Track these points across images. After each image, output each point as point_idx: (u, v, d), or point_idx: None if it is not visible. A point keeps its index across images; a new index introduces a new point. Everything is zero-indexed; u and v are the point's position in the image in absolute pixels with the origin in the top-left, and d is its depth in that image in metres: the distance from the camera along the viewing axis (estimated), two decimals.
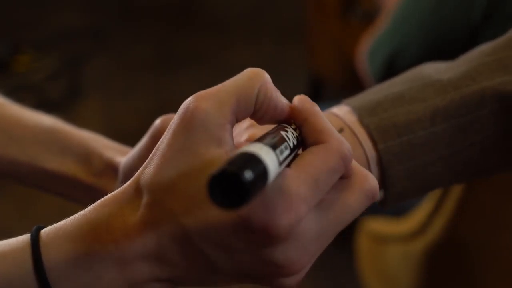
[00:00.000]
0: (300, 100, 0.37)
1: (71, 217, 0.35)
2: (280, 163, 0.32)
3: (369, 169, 0.44)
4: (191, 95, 0.35)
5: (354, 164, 0.37)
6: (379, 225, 1.06)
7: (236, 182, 0.28)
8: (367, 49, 0.99)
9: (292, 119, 0.37)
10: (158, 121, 0.43)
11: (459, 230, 0.90)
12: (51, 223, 0.35)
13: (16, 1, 2.67)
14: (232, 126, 0.35)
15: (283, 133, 0.35)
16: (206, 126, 0.33)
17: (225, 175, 0.28)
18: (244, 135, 0.43)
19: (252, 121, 0.44)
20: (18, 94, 1.09)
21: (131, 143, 0.50)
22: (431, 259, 0.94)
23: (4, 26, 2.49)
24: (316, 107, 0.37)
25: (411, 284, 1.00)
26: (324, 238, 0.35)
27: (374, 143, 0.44)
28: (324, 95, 2.00)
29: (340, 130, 0.44)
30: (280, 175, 0.33)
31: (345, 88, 1.75)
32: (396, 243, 1.01)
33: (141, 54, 2.39)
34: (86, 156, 0.47)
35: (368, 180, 0.36)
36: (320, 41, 1.76)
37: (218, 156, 0.32)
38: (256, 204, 0.32)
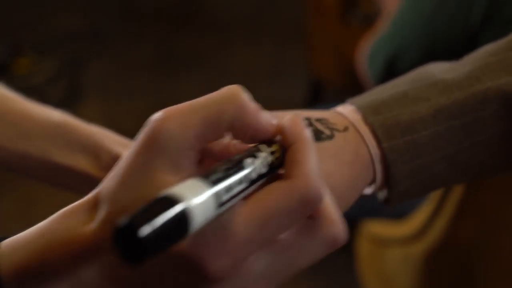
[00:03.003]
0: (292, 121, 0.35)
1: (31, 228, 0.34)
2: (221, 204, 0.30)
3: (373, 167, 0.44)
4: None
5: (326, 205, 0.34)
6: (379, 228, 1.06)
7: (132, 237, 0.26)
8: (367, 51, 0.99)
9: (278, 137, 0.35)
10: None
11: (459, 232, 0.90)
12: None
13: (16, 3, 2.67)
14: (198, 150, 0.32)
15: (247, 160, 0.32)
16: (166, 150, 0.31)
17: (121, 229, 0.26)
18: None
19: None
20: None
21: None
22: (431, 261, 0.94)
23: (4, 29, 2.49)
24: (306, 133, 0.34)
25: (411, 287, 1.00)
26: (273, 279, 0.33)
27: (378, 141, 0.44)
28: (324, 97, 2.00)
29: (345, 129, 0.44)
30: (227, 211, 0.31)
31: (345, 90, 1.75)
32: (396, 245, 1.01)
33: (141, 55, 2.39)
34: (95, 150, 0.47)
35: (334, 227, 0.34)
36: (320, 43, 1.76)
37: (170, 184, 0.31)
38: (194, 240, 0.30)
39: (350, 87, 1.64)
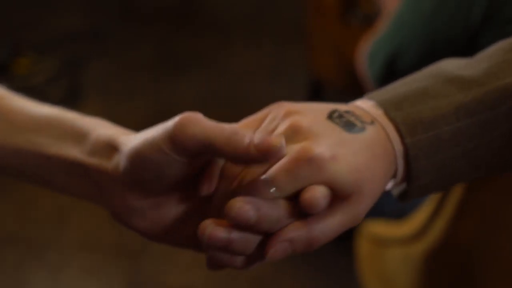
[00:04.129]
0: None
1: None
2: None
3: (396, 163, 0.45)
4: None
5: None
6: (379, 228, 1.06)
7: None
8: (367, 51, 0.99)
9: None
10: (177, 119, 0.41)
11: (459, 233, 0.90)
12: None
13: (16, 3, 2.67)
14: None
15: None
16: None
17: None
18: (283, 124, 0.43)
19: (290, 107, 0.44)
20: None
21: None
22: (431, 261, 0.94)
23: (4, 29, 2.49)
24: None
25: (411, 287, 1.00)
26: None
27: (401, 137, 0.44)
28: (324, 97, 2.00)
29: (372, 123, 0.44)
30: None
31: (345, 90, 1.75)
32: (396, 245, 1.01)
33: (141, 55, 2.39)
34: (86, 137, 0.46)
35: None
36: (320, 43, 1.76)
37: None
38: None
39: (350, 87, 1.64)
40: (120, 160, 0.43)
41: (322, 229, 0.41)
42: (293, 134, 0.42)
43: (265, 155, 0.39)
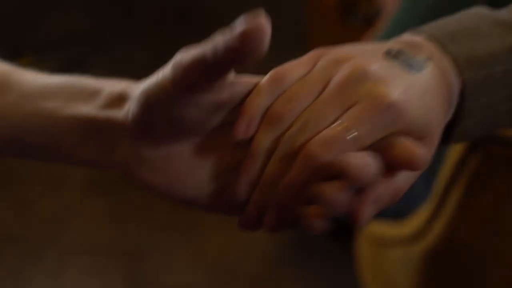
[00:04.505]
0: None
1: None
2: None
3: (451, 100, 0.42)
4: None
5: None
6: (379, 228, 1.06)
7: None
8: None
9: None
10: (178, 56, 0.40)
11: (459, 233, 0.90)
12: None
13: (16, 3, 2.67)
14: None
15: None
16: None
17: None
18: (343, 69, 0.39)
19: (342, 52, 0.41)
20: None
21: None
22: (431, 261, 0.94)
23: (4, 29, 2.49)
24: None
25: (411, 287, 1.00)
26: None
27: (459, 72, 0.42)
28: None
29: (429, 58, 0.41)
30: None
31: None
32: (396, 245, 1.01)
33: (141, 55, 2.38)
34: (98, 92, 0.44)
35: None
36: (320, 43, 1.76)
37: None
38: None
39: None
40: (130, 107, 0.41)
41: (404, 178, 0.39)
42: (360, 79, 0.38)
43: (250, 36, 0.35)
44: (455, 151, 0.83)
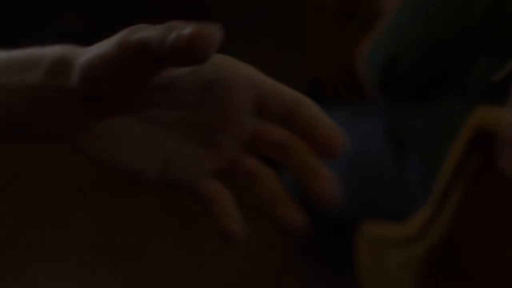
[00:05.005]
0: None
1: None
2: None
3: None
4: None
5: None
6: (379, 229, 1.06)
7: None
8: (366, 51, 0.99)
9: None
10: (126, 32, 0.39)
11: (459, 233, 0.90)
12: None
13: (16, 3, 2.68)
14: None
15: None
16: None
17: None
18: None
19: None
20: None
21: None
22: (430, 263, 0.94)
23: (5, 29, 2.50)
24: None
25: (411, 287, 1.00)
26: None
27: None
28: (324, 98, 2.00)
29: None
30: None
31: (345, 90, 1.75)
32: (396, 246, 1.01)
33: None
34: (40, 60, 0.43)
35: None
36: (320, 43, 1.77)
37: None
38: None
39: (350, 87, 1.64)
40: (75, 75, 0.41)
41: None
42: None
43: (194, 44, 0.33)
44: (455, 151, 0.83)
